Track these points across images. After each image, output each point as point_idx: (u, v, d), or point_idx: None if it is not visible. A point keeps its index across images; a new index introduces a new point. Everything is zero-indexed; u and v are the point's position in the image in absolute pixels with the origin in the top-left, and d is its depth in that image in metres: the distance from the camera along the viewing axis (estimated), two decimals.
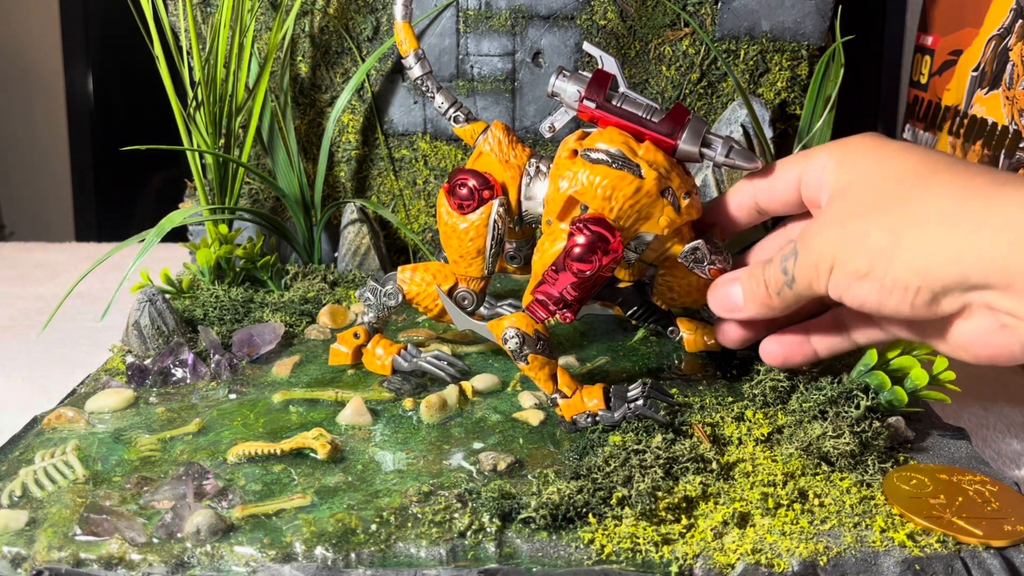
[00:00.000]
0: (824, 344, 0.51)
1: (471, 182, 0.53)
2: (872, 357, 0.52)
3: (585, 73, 0.52)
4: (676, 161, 0.50)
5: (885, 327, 0.49)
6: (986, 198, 0.39)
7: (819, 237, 0.44)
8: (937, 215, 0.39)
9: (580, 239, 0.48)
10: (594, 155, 0.49)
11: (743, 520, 0.41)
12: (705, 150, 0.50)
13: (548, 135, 0.54)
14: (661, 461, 0.45)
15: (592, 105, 0.51)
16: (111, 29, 1.33)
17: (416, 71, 0.58)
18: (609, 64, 0.52)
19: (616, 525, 0.40)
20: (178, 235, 0.75)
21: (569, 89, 0.51)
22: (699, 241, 0.51)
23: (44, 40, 1.42)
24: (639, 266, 0.56)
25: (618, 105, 0.50)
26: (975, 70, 0.76)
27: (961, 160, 0.42)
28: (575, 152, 0.50)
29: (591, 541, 0.40)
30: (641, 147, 0.50)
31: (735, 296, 0.49)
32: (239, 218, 0.74)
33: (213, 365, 0.57)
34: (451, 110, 0.57)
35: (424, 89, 0.58)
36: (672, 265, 0.53)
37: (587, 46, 0.54)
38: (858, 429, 0.47)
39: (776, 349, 0.51)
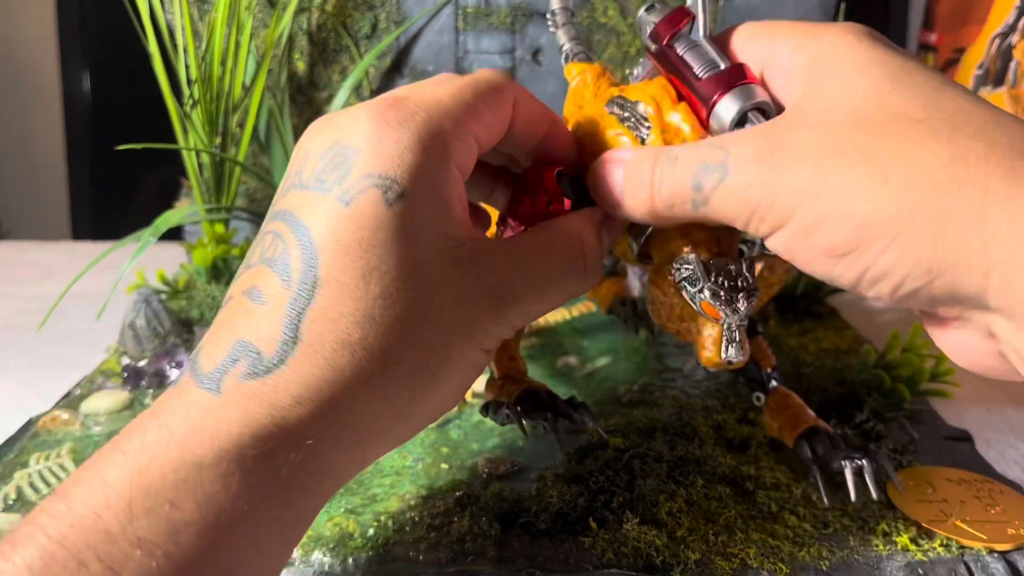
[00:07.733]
0: None
1: None
2: (870, 356, 0.52)
3: (670, 7, 0.40)
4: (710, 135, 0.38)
5: None
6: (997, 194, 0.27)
7: (775, 172, 0.31)
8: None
9: (538, 200, 0.40)
10: (612, 106, 0.40)
11: (746, 524, 0.41)
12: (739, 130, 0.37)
13: (632, 80, 0.44)
14: (663, 464, 0.44)
15: (652, 46, 0.40)
16: (107, 26, 1.32)
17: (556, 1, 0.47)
18: (694, 1, 0.39)
19: (617, 529, 0.40)
20: (174, 235, 0.74)
21: (648, 25, 0.40)
22: (691, 255, 0.36)
23: (40, 37, 1.42)
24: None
25: (679, 53, 0.38)
26: (979, 68, 0.75)
27: (960, 101, 0.30)
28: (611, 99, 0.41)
29: (592, 545, 0.39)
30: (677, 109, 0.38)
31: (615, 183, 0.37)
32: (236, 217, 0.73)
33: None
34: (568, 45, 0.46)
35: (550, 23, 0.47)
36: (657, 274, 0.39)
37: None
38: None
39: None
